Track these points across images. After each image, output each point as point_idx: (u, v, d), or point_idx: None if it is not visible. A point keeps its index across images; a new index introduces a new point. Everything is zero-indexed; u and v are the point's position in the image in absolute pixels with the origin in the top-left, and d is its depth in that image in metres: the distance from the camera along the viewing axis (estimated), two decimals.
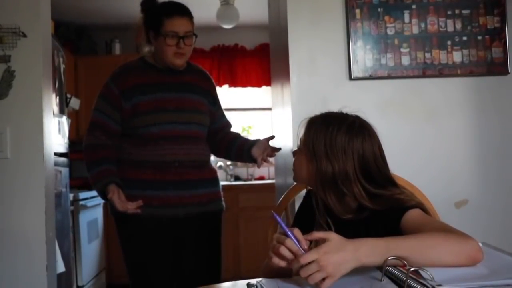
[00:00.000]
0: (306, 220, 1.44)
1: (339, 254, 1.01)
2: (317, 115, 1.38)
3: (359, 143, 1.30)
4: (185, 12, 2.08)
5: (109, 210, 2.15)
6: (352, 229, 1.30)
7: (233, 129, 2.34)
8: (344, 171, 1.29)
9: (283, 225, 1.10)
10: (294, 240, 1.07)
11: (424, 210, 1.25)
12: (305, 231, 1.32)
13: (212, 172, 2.21)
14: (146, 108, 2.05)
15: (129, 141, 2.09)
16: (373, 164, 1.31)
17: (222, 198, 2.24)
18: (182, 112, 2.09)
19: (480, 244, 1.10)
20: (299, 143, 1.39)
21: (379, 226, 1.26)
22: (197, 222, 2.13)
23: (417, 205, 1.26)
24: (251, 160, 2.16)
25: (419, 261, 1.02)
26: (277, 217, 1.13)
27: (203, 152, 2.16)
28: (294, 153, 1.42)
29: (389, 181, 1.34)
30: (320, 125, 1.33)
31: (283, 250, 1.07)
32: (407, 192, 1.33)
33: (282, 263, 1.08)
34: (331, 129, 1.31)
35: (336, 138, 1.30)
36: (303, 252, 1.05)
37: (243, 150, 2.18)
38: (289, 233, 1.08)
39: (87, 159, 2.09)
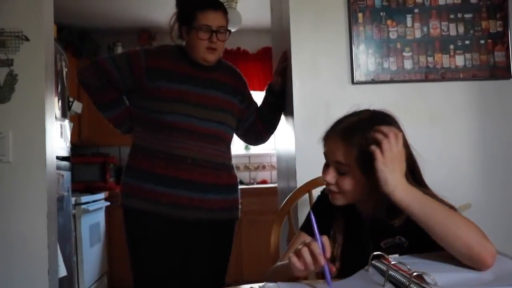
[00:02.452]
0: (322, 220, 1.39)
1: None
2: (342, 127, 1.27)
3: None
4: (219, 6, 2.06)
5: (120, 201, 2.07)
6: (385, 231, 1.27)
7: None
8: None
9: (316, 228, 1.09)
10: (320, 244, 1.07)
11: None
12: (323, 228, 1.30)
13: (231, 177, 2.12)
14: (167, 96, 2.00)
15: (143, 125, 2.05)
16: (415, 162, 1.29)
17: (240, 207, 2.15)
18: (203, 108, 2.03)
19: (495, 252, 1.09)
20: (337, 163, 1.26)
21: (412, 228, 1.21)
22: (207, 229, 2.05)
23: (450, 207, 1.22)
24: (273, 94, 2.27)
25: (437, 228, 1.11)
26: (313, 220, 1.10)
27: (220, 154, 2.08)
28: (333, 176, 1.28)
29: (421, 177, 1.32)
30: (361, 136, 1.22)
31: (305, 252, 1.07)
32: (440, 197, 1.28)
33: (298, 265, 1.08)
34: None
35: None
36: (324, 260, 1.06)
37: (265, 96, 2.30)
38: (318, 236, 1.08)
39: (99, 101, 2.16)
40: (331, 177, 1.28)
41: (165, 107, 2.00)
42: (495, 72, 2.22)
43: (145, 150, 2.03)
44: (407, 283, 0.96)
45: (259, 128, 2.29)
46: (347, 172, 1.25)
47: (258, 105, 2.32)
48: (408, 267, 1.01)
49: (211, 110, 2.05)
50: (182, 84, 2.03)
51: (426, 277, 0.97)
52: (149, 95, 2.03)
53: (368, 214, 1.30)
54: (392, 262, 1.04)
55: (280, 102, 2.32)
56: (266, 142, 2.38)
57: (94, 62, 2.14)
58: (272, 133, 2.36)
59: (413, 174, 1.27)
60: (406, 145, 1.26)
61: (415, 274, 0.97)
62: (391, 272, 1.03)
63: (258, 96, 2.38)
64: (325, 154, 1.30)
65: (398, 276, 1.01)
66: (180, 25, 2.10)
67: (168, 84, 2.02)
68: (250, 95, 2.27)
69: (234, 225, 2.16)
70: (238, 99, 2.16)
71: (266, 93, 2.30)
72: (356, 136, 1.23)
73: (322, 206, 1.41)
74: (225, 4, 4.66)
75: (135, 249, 2.05)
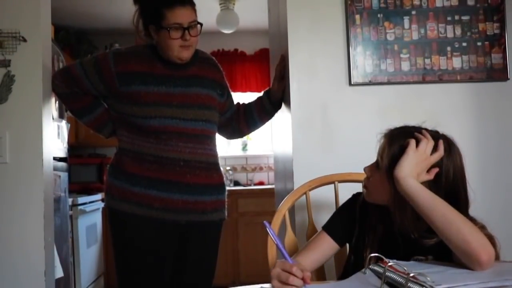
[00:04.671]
0: (347, 223, 1.41)
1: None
2: (397, 129, 1.36)
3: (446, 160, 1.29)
4: (186, 1, 1.95)
5: (105, 202, 2.04)
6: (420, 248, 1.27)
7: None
8: None
9: (285, 252, 1.13)
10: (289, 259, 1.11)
11: (493, 244, 1.20)
12: (347, 232, 1.35)
13: (220, 176, 2.09)
14: (147, 100, 1.94)
15: (128, 129, 1.99)
16: (455, 184, 1.31)
17: (226, 206, 2.12)
18: (187, 108, 1.98)
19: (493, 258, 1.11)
20: (379, 159, 1.32)
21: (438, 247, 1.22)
22: (199, 231, 2.04)
23: (488, 236, 1.21)
24: (270, 104, 2.24)
25: (439, 220, 1.16)
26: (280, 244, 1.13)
27: (210, 153, 2.04)
28: (370, 168, 1.35)
29: (468, 206, 1.32)
30: (403, 139, 1.29)
31: (293, 280, 1.08)
32: (480, 224, 1.28)
33: None
34: None
35: None
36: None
37: (262, 99, 2.25)
38: (288, 258, 1.11)
39: (73, 107, 2.13)
40: (368, 168, 1.34)
41: (147, 112, 1.94)
42: (492, 74, 2.23)
43: (133, 153, 1.98)
44: (405, 283, 0.97)
45: (241, 126, 2.26)
46: (379, 167, 1.31)
47: (240, 103, 2.29)
48: (405, 268, 1.01)
49: (196, 109, 2.00)
50: (160, 85, 1.97)
51: (423, 277, 0.97)
52: (126, 100, 1.97)
53: (402, 227, 1.29)
54: (389, 264, 1.04)
55: (275, 111, 2.30)
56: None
57: (65, 68, 2.12)
58: (252, 132, 2.37)
59: (453, 195, 1.28)
60: (461, 169, 1.34)
61: (412, 274, 0.97)
62: (388, 273, 1.03)
63: (255, 97, 2.34)
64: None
65: (395, 277, 1.01)
66: (146, 24, 2.02)
67: (145, 88, 1.96)
68: (228, 87, 2.21)
69: (221, 226, 2.14)
70: (217, 93, 2.10)
71: (264, 97, 2.26)
72: (400, 138, 1.30)
73: (349, 208, 1.43)
74: (222, 5, 4.67)
75: (124, 253, 2.01)
